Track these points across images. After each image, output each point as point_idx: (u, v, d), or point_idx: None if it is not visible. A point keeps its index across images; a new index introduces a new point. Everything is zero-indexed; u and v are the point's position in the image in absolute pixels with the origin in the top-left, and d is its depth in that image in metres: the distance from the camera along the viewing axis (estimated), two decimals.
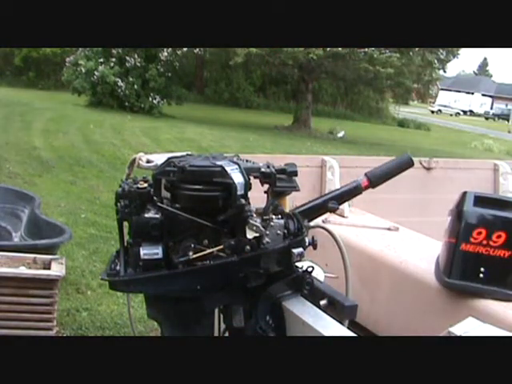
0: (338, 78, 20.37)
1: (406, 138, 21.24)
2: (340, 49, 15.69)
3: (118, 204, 1.21)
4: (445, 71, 21.78)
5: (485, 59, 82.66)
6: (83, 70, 16.29)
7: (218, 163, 1.17)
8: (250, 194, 1.17)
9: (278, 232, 1.18)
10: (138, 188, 1.19)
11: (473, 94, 54.71)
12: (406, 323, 1.95)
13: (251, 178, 1.20)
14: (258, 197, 1.23)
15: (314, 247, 1.25)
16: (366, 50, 16.34)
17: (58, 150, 9.09)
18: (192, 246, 1.15)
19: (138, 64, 16.80)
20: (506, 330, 1.14)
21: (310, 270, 1.26)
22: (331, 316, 1.20)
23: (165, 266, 1.15)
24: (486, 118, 49.92)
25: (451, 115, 47.58)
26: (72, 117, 13.52)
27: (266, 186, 1.26)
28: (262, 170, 1.24)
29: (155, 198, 1.18)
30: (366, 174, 1.47)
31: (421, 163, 2.97)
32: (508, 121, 45.20)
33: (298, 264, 1.24)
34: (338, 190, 1.50)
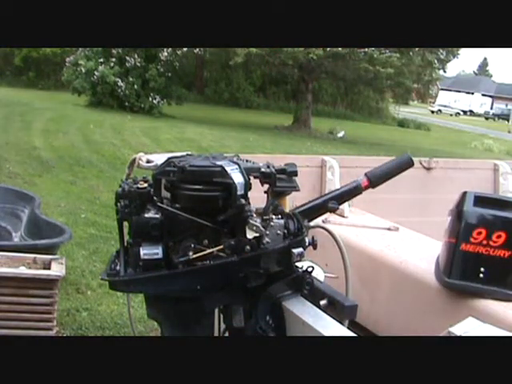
0: (338, 78, 20.37)
1: (406, 138, 21.24)
2: (340, 49, 15.69)
3: (118, 204, 1.21)
4: (445, 71, 21.81)
5: (485, 59, 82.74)
6: (83, 70, 16.29)
7: (218, 163, 1.17)
8: (250, 194, 1.17)
9: (278, 232, 1.18)
10: (138, 188, 1.19)
11: (473, 94, 54.71)
12: (406, 323, 1.95)
13: (251, 177, 1.20)
14: (257, 197, 1.23)
15: (314, 247, 1.25)
16: (366, 50, 16.33)
17: (58, 150, 9.10)
18: (192, 246, 1.15)
19: (138, 64, 16.80)
20: (506, 330, 1.14)
21: (310, 270, 1.26)
22: (331, 316, 1.20)
23: (165, 265, 1.15)
24: (486, 118, 49.91)
25: (451, 115, 47.58)
26: (72, 117, 13.52)
27: (266, 186, 1.26)
28: (262, 170, 1.24)
29: (155, 197, 1.18)
30: (366, 174, 1.47)
31: (421, 163, 2.97)
32: (508, 121, 45.20)
33: (298, 264, 1.24)
34: (337, 190, 1.50)
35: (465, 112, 51.35)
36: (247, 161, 1.27)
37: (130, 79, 16.56)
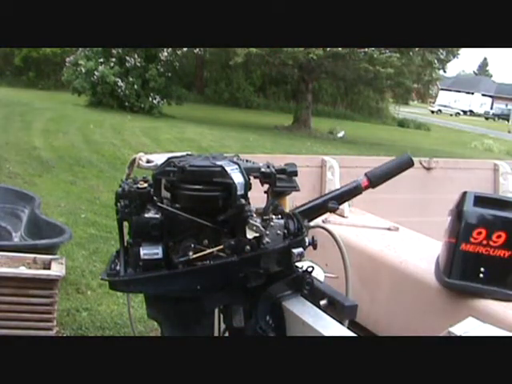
0: (338, 78, 20.37)
1: (406, 138, 21.24)
2: (340, 49, 15.69)
3: (118, 204, 1.21)
4: (445, 71, 21.81)
5: (485, 59, 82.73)
6: (83, 70, 16.29)
7: (218, 163, 1.17)
8: (250, 194, 1.17)
9: (278, 232, 1.18)
10: (138, 188, 1.19)
11: (473, 94, 54.71)
12: (406, 323, 1.95)
13: (251, 177, 1.20)
14: (257, 197, 1.23)
15: (314, 247, 1.25)
16: (366, 50, 16.33)
17: (58, 150, 9.10)
18: (192, 245, 1.15)
19: (138, 64, 16.80)
20: (506, 330, 1.14)
21: (310, 270, 1.26)
22: (331, 316, 1.20)
23: (165, 265, 1.15)
24: (486, 118, 49.91)
25: (451, 115, 47.58)
26: (72, 117, 13.52)
27: (266, 186, 1.26)
28: (262, 170, 1.24)
29: (155, 197, 1.18)
30: (366, 174, 1.47)
31: (421, 163, 2.97)
32: (508, 121, 45.20)
33: (298, 264, 1.24)
34: (337, 190, 1.50)
35: (465, 112, 51.35)
36: (247, 161, 1.27)
37: (130, 79, 16.56)
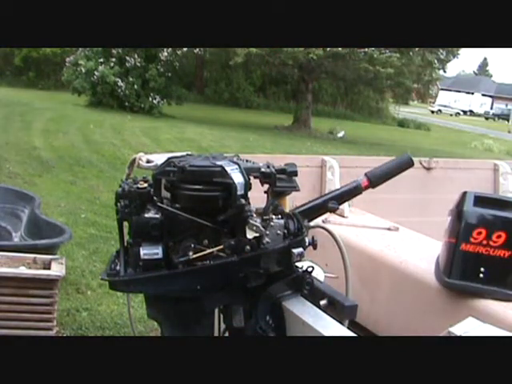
0: (338, 78, 20.37)
1: (406, 138, 21.24)
2: (340, 49, 15.69)
3: (118, 204, 1.21)
4: (445, 71, 21.81)
5: (485, 59, 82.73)
6: (83, 70, 16.29)
7: (218, 163, 1.17)
8: (250, 194, 1.17)
9: (278, 232, 1.18)
10: (138, 188, 1.19)
11: (473, 94, 54.71)
12: (406, 323, 1.95)
13: (251, 177, 1.20)
14: (258, 197, 1.23)
15: (314, 247, 1.25)
16: (366, 50, 16.33)
17: (58, 150, 9.10)
18: (192, 246, 1.15)
19: (138, 64, 16.80)
20: (506, 330, 1.14)
21: (310, 270, 1.26)
22: (331, 316, 1.20)
23: (165, 265, 1.15)
24: (486, 118, 49.91)
25: (451, 115, 47.58)
26: (72, 117, 13.52)
27: (266, 186, 1.26)
28: (262, 169, 1.24)
29: (155, 197, 1.18)
30: (366, 174, 1.47)
31: (421, 163, 2.97)
32: (508, 121, 45.19)
33: (298, 264, 1.24)
34: (337, 190, 1.50)
35: (465, 112, 51.35)
36: (247, 161, 1.27)
37: (130, 79, 16.56)
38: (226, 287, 1.19)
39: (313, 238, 1.25)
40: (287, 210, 1.27)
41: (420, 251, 2.10)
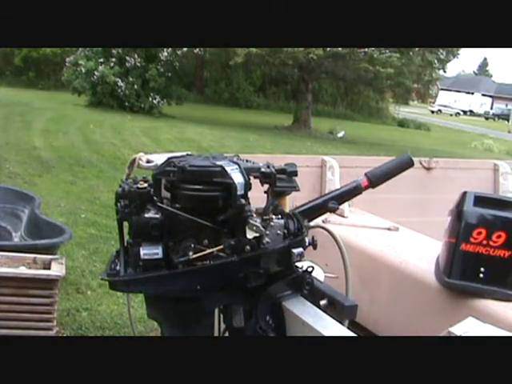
0: (338, 78, 20.37)
1: (406, 138, 21.24)
2: (340, 49, 15.69)
3: (118, 204, 1.21)
4: (445, 71, 21.81)
5: (485, 59, 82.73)
6: (83, 70, 16.29)
7: (218, 163, 1.17)
8: (250, 194, 1.17)
9: (278, 232, 1.18)
10: (138, 188, 1.19)
11: (473, 94, 54.70)
12: (406, 323, 1.95)
13: (251, 177, 1.20)
14: (257, 197, 1.23)
15: (314, 247, 1.25)
16: (366, 50, 16.33)
17: (58, 150, 9.10)
18: (192, 246, 1.15)
19: (138, 64, 16.80)
20: (506, 330, 1.14)
21: (310, 270, 1.26)
22: (331, 316, 1.20)
23: (165, 265, 1.15)
24: (486, 118, 49.91)
25: (451, 115, 47.58)
26: (72, 117, 13.52)
27: (266, 186, 1.26)
28: (262, 169, 1.24)
29: (155, 197, 1.18)
30: (366, 174, 1.47)
31: (421, 163, 2.97)
32: (508, 121, 45.19)
33: (298, 264, 1.24)
34: (337, 190, 1.50)
35: (465, 112, 51.35)
36: (247, 161, 1.27)
37: (130, 79, 16.56)
38: (226, 287, 1.19)
39: (313, 238, 1.25)
40: (287, 209, 1.27)
41: (420, 251, 2.10)
